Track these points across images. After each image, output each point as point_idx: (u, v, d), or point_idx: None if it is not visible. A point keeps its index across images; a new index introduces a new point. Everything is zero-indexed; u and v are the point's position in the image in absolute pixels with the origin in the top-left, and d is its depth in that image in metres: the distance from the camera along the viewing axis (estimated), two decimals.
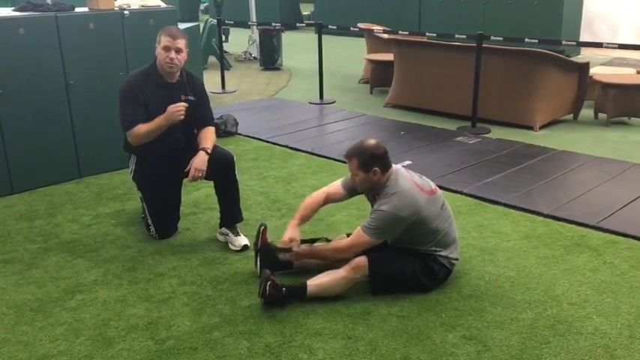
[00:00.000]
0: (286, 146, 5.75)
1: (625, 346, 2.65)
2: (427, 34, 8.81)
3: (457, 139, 5.90)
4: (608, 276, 3.24)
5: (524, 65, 6.19)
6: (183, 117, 3.52)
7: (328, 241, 3.36)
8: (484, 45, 6.12)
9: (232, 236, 3.67)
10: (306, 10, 17.14)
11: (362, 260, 3.00)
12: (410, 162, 5.17)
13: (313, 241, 3.36)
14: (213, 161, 3.62)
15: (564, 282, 3.19)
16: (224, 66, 8.82)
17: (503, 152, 5.41)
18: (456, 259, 3.18)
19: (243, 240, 3.65)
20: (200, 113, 3.77)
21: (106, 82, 4.76)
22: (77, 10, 4.90)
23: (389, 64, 7.50)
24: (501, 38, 6.25)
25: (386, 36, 8.39)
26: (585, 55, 10.48)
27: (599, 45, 6.22)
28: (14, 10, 4.83)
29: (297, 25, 11.80)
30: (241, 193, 3.85)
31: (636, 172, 4.82)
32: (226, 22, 9.19)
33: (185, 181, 3.73)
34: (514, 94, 6.29)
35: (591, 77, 6.56)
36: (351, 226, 3.43)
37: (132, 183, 3.93)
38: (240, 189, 3.82)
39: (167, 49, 3.50)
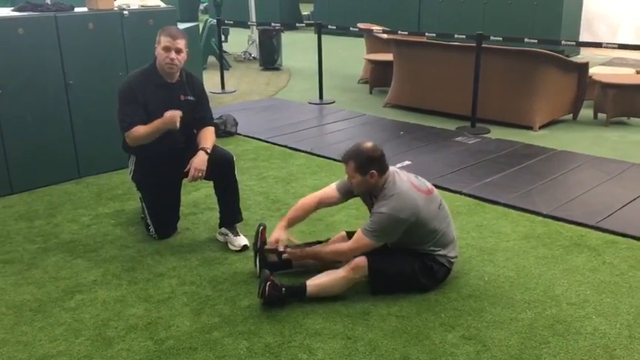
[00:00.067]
0: (286, 146, 5.75)
1: (624, 346, 2.66)
2: (427, 34, 8.81)
3: (456, 139, 5.91)
4: (608, 276, 3.25)
5: (523, 65, 6.19)
6: (177, 126, 3.52)
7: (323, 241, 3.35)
8: (484, 45, 6.12)
9: (232, 236, 3.67)
10: (306, 10, 17.15)
11: (361, 260, 3.00)
12: (409, 162, 5.18)
13: (312, 244, 3.35)
14: (213, 161, 3.62)
15: (563, 282, 3.20)
16: (223, 66, 8.82)
17: (502, 152, 5.41)
18: (455, 258, 3.19)
19: (242, 240, 3.65)
20: (199, 113, 3.77)
21: (106, 82, 4.76)
22: (76, 10, 4.89)
23: (388, 64, 7.50)
24: (501, 38, 6.25)
25: (385, 36, 8.39)
26: (585, 55, 10.49)
27: (598, 45, 6.23)
28: (13, 10, 4.83)
29: (297, 25, 11.80)
30: (241, 193, 3.85)
31: (636, 172, 4.83)
32: (226, 22, 9.19)
33: (185, 181, 3.73)
34: (513, 94, 6.29)
35: (591, 77, 6.56)
36: (350, 226, 3.43)
37: (131, 183, 3.93)
38: (239, 189, 3.82)
39: (167, 49, 3.50)
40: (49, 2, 5.89)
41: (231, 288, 3.20)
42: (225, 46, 10.50)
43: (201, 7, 19.92)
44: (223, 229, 3.74)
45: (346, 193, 3.25)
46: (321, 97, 7.74)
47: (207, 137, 3.71)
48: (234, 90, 8.56)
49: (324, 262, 3.21)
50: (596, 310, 2.93)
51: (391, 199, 2.96)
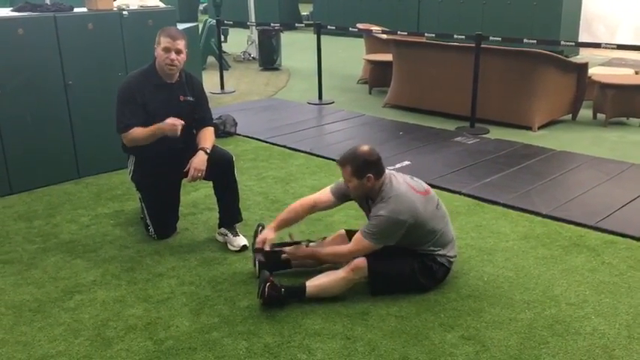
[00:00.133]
0: (285, 146, 5.75)
1: (623, 346, 2.66)
2: (426, 34, 8.82)
3: (456, 139, 5.91)
4: (607, 276, 3.25)
5: (522, 66, 6.19)
6: (178, 134, 3.52)
7: (306, 241, 3.33)
8: (483, 45, 6.12)
9: (231, 236, 3.67)
10: (305, 10, 17.15)
11: (361, 262, 3.00)
12: (409, 162, 5.18)
13: (307, 242, 3.34)
14: (213, 161, 3.62)
15: (563, 282, 3.20)
16: (223, 66, 8.82)
17: (501, 152, 5.41)
18: (454, 257, 3.19)
19: (242, 240, 3.65)
20: (199, 114, 3.77)
21: (105, 82, 4.77)
22: (76, 10, 4.90)
23: (388, 64, 7.50)
24: (500, 39, 6.26)
25: (385, 36, 8.39)
26: (584, 55, 10.50)
27: (597, 45, 6.24)
28: (13, 11, 4.83)
29: (296, 25, 11.81)
30: (240, 193, 3.85)
31: (635, 173, 4.83)
32: (225, 22, 9.20)
33: (184, 181, 3.73)
34: (513, 95, 6.30)
35: (590, 77, 6.57)
36: (349, 226, 3.43)
37: (131, 183, 3.93)
38: (239, 189, 3.82)
39: (167, 50, 3.50)
40: (48, 2, 5.89)
41: (231, 288, 3.20)
42: (225, 47, 10.50)
43: (201, 7, 19.92)
44: (223, 230, 3.74)
45: (342, 197, 3.24)
46: (320, 97, 7.75)
47: (207, 137, 3.71)
48: (234, 90, 8.56)
49: (324, 263, 3.21)
50: (595, 311, 2.93)
51: (389, 201, 2.96)
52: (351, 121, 6.73)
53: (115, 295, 3.17)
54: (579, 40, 10.20)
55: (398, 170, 4.81)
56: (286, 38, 10.98)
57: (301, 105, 7.58)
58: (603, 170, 4.87)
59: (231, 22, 9.40)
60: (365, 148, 3.06)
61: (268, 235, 3.20)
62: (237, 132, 6.23)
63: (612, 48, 6.12)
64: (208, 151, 3.62)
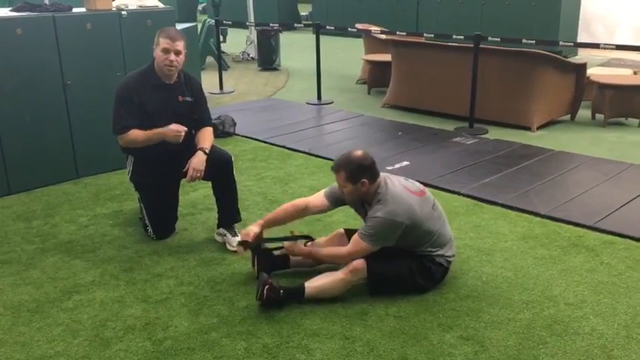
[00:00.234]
0: (284, 147, 5.75)
1: (622, 347, 2.66)
2: (425, 34, 8.82)
3: (455, 139, 5.91)
4: (605, 276, 3.25)
5: (521, 66, 6.20)
6: (179, 141, 3.53)
7: (309, 237, 3.33)
8: (482, 46, 6.12)
9: (230, 237, 3.67)
10: (304, 10, 17.15)
11: (360, 263, 3.00)
12: (407, 162, 5.18)
13: (302, 238, 3.33)
14: (212, 161, 3.62)
15: (561, 282, 3.20)
16: (222, 66, 8.82)
17: (500, 153, 5.41)
18: (453, 257, 3.19)
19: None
20: (198, 114, 3.77)
21: (104, 82, 4.76)
22: (75, 10, 4.89)
23: (387, 64, 7.50)
24: (499, 39, 6.26)
25: (384, 36, 8.40)
26: (583, 55, 10.50)
27: (596, 46, 6.24)
28: (11, 11, 4.83)
29: (295, 25, 11.79)
30: (239, 193, 3.85)
31: (633, 173, 4.83)
32: (224, 22, 9.19)
33: (183, 181, 3.73)
34: (511, 95, 6.30)
35: (588, 78, 6.57)
36: (348, 226, 3.43)
37: (129, 183, 3.93)
38: (238, 189, 3.82)
39: (166, 51, 3.50)
40: (47, 2, 5.89)
41: (229, 288, 3.20)
42: (224, 47, 10.49)
43: (200, 7, 19.92)
44: (221, 230, 3.74)
45: (336, 202, 3.24)
46: (319, 97, 7.74)
47: (206, 137, 3.71)
48: (233, 90, 8.56)
49: (322, 263, 3.21)
50: (593, 311, 2.93)
51: (386, 203, 2.96)
52: (350, 121, 6.73)
53: (114, 295, 3.16)
54: (578, 41, 10.21)
55: (397, 171, 4.83)
56: (285, 38, 10.98)
57: (300, 105, 7.58)
58: (602, 170, 4.87)
59: (230, 23, 9.39)
60: (358, 152, 3.06)
61: (254, 229, 3.21)
62: (236, 132, 6.23)
63: (611, 48, 6.12)
64: (207, 151, 3.62)
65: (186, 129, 3.56)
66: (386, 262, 3.04)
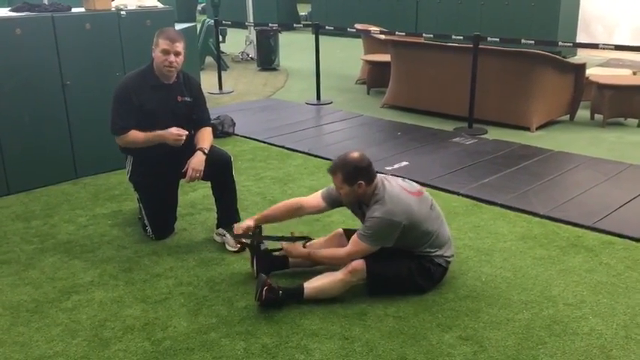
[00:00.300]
0: (283, 147, 5.75)
1: (621, 347, 2.66)
2: (424, 34, 8.82)
3: (454, 139, 5.91)
4: (604, 276, 3.25)
5: (520, 66, 6.20)
6: (180, 145, 3.53)
7: (309, 238, 3.33)
8: (481, 46, 6.13)
9: (229, 237, 3.66)
10: (303, 10, 17.15)
11: (359, 264, 3.00)
12: (407, 163, 5.18)
13: (301, 239, 3.34)
14: (211, 162, 3.62)
15: (560, 282, 3.20)
16: (221, 66, 8.82)
17: (499, 153, 5.41)
18: (452, 257, 3.19)
19: None
20: (197, 114, 3.77)
21: (103, 82, 4.76)
22: (74, 10, 4.89)
23: (386, 64, 7.50)
24: (498, 39, 6.26)
25: (383, 37, 8.40)
26: (582, 56, 10.51)
27: (595, 46, 6.24)
28: (11, 11, 4.83)
29: (294, 25, 11.79)
30: (238, 193, 3.85)
31: (632, 173, 4.84)
32: (223, 22, 9.19)
33: (182, 181, 3.73)
34: (511, 95, 6.30)
35: (588, 78, 6.58)
36: (347, 226, 3.42)
37: (128, 184, 3.93)
38: (237, 190, 3.82)
39: (166, 52, 3.50)
40: (46, 2, 5.88)
41: (229, 289, 3.20)
42: (223, 47, 10.49)
43: (199, 7, 19.92)
44: (221, 230, 3.74)
45: (332, 203, 3.24)
46: (318, 97, 7.75)
47: (205, 138, 3.71)
48: (232, 90, 8.56)
49: (321, 264, 3.21)
50: (592, 311, 2.94)
51: (384, 203, 2.96)
52: (350, 121, 6.73)
53: (113, 295, 3.16)
54: (577, 41, 10.21)
55: (396, 171, 4.84)
56: (284, 38, 10.98)
57: (299, 105, 7.58)
58: (601, 171, 4.88)
59: (229, 23, 9.39)
60: (355, 154, 3.06)
61: (248, 223, 3.25)
62: (235, 132, 6.23)
63: (610, 49, 6.12)
64: (206, 151, 3.62)
65: (187, 133, 3.57)
66: (385, 263, 3.04)
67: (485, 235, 3.79)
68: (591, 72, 7.03)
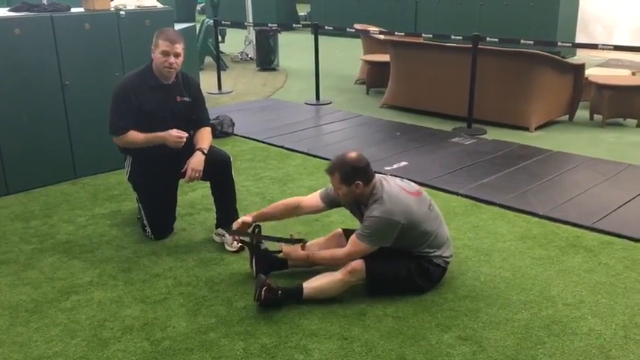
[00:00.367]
0: (282, 147, 5.75)
1: (620, 347, 2.66)
2: (423, 35, 8.82)
3: (453, 139, 5.91)
4: (603, 277, 3.25)
5: (519, 66, 6.20)
6: (180, 147, 3.54)
7: (302, 240, 3.33)
8: (480, 46, 6.13)
9: (228, 237, 3.66)
10: (303, 10, 17.15)
11: (358, 264, 3.00)
12: (406, 163, 5.19)
13: (299, 241, 3.33)
14: (210, 162, 3.62)
15: (559, 283, 3.20)
16: (220, 66, 8.82)
17: (498, 153, 5.42)
18: (450, 257, 3.19)
19: None
20: (196, 114, 3.77)
21: (102, 82, 4.76)
22: (73, 10, 4.89)
23: (385, 64, 7.50)
24: (497, 39, 6.26)
25: (382, 37, 8.40)
26: (581, 56, 10.52)
27: (594, 46, 6.24)
28: (10, 11, 4.82)
29: (294, 25, 11.79)
30: (237, 193, 3.85)
31: (631, 173, 4.84)
32: (223, 22, 9.19)
33: (182, 181, 3.73)
34: (510, 95, 6.31)
35: (587, 78, 6.58)
36: (346, 226, 3.42)
37: (128, 184, 3.93)
38: (236, 190, 3.82)
39: (166, 54, 3.50)
40: (45, 2, 5.88)
41: (228, 289, 3.20)
42: (222, 47, 10.49)
43: (199, 7, 19.92)
44: (220, 230, 3.74)
45: (330, 203, 3.25)
46: (317, 97, 7.75)
47: (204, 138, 3.71)
48: (231, 90, 8.56)
49: (320, 265, 3.20)
50: (591, 311, 2.94)
51: (382, 203, 2.96)
52: (349, 121, 6.74)
53: (112, 295, 3.16)
54: (576, 41, 10.22)
55: (395, 171, 4.84)
56: (284, 38, 10.98)
57: (299, 105, 7.58)
58: (600, 171, 4.88)
59: (228, 23, 9.39)
60: (353, 154, 3.06)
61: (245, 219, 3.27)
62: (235, 132, 6.23)
63: (609, 49, 6.12)
64: (206, 151, 3.62)
65: (187, 135, 3.57)
66: (384, 263, 3.04)
67: (485, 235, 3.79)
68: (590, 72, 7.04)
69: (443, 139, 5.95)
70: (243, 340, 2.75)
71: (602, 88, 6.38)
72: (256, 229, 3.32)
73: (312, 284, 3.02)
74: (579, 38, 11.10)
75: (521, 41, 6.33)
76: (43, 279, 3.34)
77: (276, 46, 10.21)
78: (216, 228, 3.77)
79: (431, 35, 8.50)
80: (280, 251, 3.27)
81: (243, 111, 7.21)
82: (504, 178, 4.75)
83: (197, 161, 3.57)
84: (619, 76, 7.05)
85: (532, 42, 6.32)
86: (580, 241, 3.67)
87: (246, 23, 10.57)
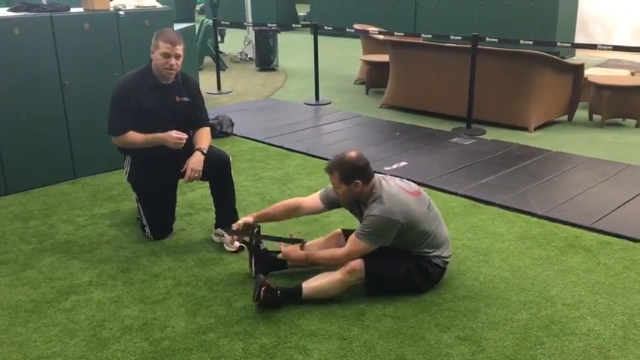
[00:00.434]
0: (282, 147, 5.75)
1: (618, 347, 2.67)
2: (423, 35, 8.81)
3: (452, 140, 5.91)
4: (602, 277, 3.26)
5: (519, 66, 6.21)
6: (180, 148, 3.54)
7: (301, 240, 3.33)
8: (479, 46, 6.13)
9: (228, 237, 3.66)
10: (302, 10, 17.15)
11: (358, 263, 3.00)
12: (405, 163, 5.19)
13: (298, 241, 3.33)
14: (209, 162, 3.62)
15: (558, 283, 3.20)
16: (220, 67, 8.82)
17: (498, 153, 5.42)
18: (449, 257, 3.19)
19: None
20: (195, 114, 3.77)
21: (101, 82, 4.75)
22: (72, 10, 4.89)
23: (384, 65, 7.51)
24: (496, 39, 6.26)
25: (381, 37, 8.40)
26: (580, 56, 10.52)
27: (593, 46, 6.24)
28: (9, 11, 4.82)
29: (293, 25, 11.80)
30: (237, 193, 3.85)
31: (630, 174, 4.84)
32: (222, 22, 9.19)
33: (181, 181, 3.73)
34: (509, 96, 6.31)
35: (586, 79, 6.58)
36: (346, 226, 3.43)
37: (127, 184, 3.93)
38: (235, 190, 3.82)
39: (167, 55, 3.50)
40: (44, 2, 5.88)
41: (227, 289, 3.20)
42: (222, 47, 10.49)
43: (198, 7, 19.92)
44: (219, 230, 3.74)
45: (330, 204, 3.26)
46: (317, 97, 7.75)
47: (203, 138, 3.71)
48: (231, 90, 8.55)
49: (319, 265, 3.21)
50: (590, 311, 2.94)
51: (382, 201, 2.96)
52: (348, 121, 6.74)
53: (111, 295, 3.16)
54: (575, 41, 10.23)
55: (395, 171, 4.84)
56: (283, 39, 10.98)
57: (298, 105, 7.58)
58: (599, 171, 4.88)
59: (228, 23, 9.39)
60: (352, 153, 3.07)
61: (246, 219, 3.29)
62: (234, 132, 6.23)
63: (608, 49, 6.13)
64: (205, 151, 3.62)
65: (187, 136, 3.57)
66: (383, 263, 3.04)
67: (484, 235, 3.80)
68: (590, 72, 7.04)
69: (442, 139, 5.95)
70: (242, 341, 2.75)
71: (601, 88, 6.39)
72: (255, 229, 3.32)
73: (311, 284, 3.02)
74: (578, 38, 11.11)
75: (521, 41, 6.33)
76: (42, 279, 3.34)
77: (276, 46, 10.21)
78: (216, 228, 3.77)
79: (430, 35, 8.49)
80: (279, 251, 3.28)
81: (243, 111, 7.21)
82: (503, 179, 4.76)
83: (196, 161, 3.57)
84: (618, 76, 7.05)
85: (531, 42, 6.32)
86: (579, 242, 3.67)
87: (245, 23, 10.57)
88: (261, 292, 2.93)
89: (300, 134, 6.20)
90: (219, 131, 6.03)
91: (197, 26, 9.58)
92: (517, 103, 6.27)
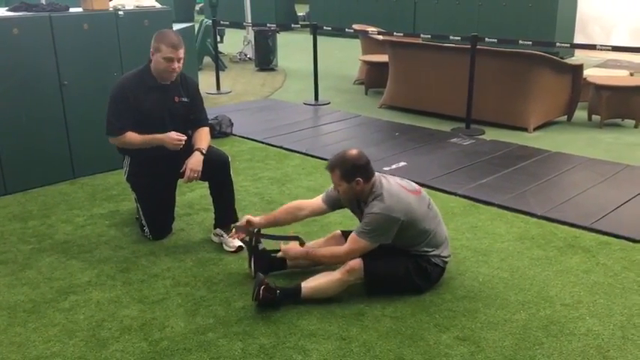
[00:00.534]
0: (281, 147, 5.75)
1: (617, 347, 2.67)
2: (422, 35, 8.81)
3: (451, 140, 5.92)
4: (601, 277, 3.26)
5: (518, 67, 6.21)
6: (178, 149, 3.54)
7: (298, 238, 3.33)
8: (478, 46, 6.13)
9: (227, 237, 3.66)
10: (301, 10, 17.15)
11: (357, 263, 3.00)
12: (405, 163, 5.19)
13: (295, 238, 3.33)
14: (208, 162, 3.62)
15: (557, 283, 3.21)
16: (219, 67, 8.82)
17: (497, 153, 5.42)
18: (448, 257, 3.19)
19: (237, 241, 3.63)
20: (194, 114, 3.77)
21: (101, 82, 4.75)
22: (71, 10, 4.88)
23: (384, 65, 7.51)
24: (496, 40, 6.27)
25: (381, 37, 8.40)
26: (579, 56, 10.53)
27: (592, 47, 6.25)
28: (8, 10, 4.82)
29: (292, 26, 11.82)
30: (236, 194, 3.85)
31: (629, 174, 4.85)
32: (222, 22, 9.19)
33: (180, 181, 3.73)
34: (508, 96, 6.31)
35: (585, 79, 6.59)
36: (345, 227, 3.43)
37: (126, 184, 3.93)
38: (234, 190, 3.82)
39: (170, 60, 3.49)
40: (43, 2, 5.87)
41: (226, 289, 3.20)
42: (221, 47, 10.49)
43: (197, 7, 19.91)
44: (218, 230, 3.74)
45: (332, 205, 3.27)
46: (316, 98, 7.75)
47: (203, 138, 3.71)
48: (230, 91, 8.55)
49: (319, 264, 3.21)
50: (589, 311, 2.94)
51: (382, 199, 2.97)
52: (348, 121, 6.74)
53: (110, 295, 3.16)
54: (574, 42, 10.23)
55: (394, 171, 4.84)
56: (282, 39, 10.98)
57: (297, 106, 7.58)
58: (598, 171, 4.88)
59: (227, 23, 9.39)
60: (353, 151, 3.07)
61: (251, 218, 3.30)
62: (233, 132, 6.23)
63: (607, 49, 6.13)
64: (204, 151, 3.62)
65: (186, 137, 3.57)
66: (382, 262, 3.05)
67: (483, 235, 3.80)
68: (589, 73, 7.04)
69: (441, 139, 5.95)
70: (241, 341, 2.75)
71: (600, 88, 6.39)
72: (255, 229, 3.32)
73: (310, 284, 3.02)
74: (577, 39, 11.11)
75: (520, 42, 6.34)
76: (41, 279, 3.34)
77: (275, 47, 10.21)
78: (215, 228, 3.77)
79: (429, 36, 8.49)
80: (279, 250, 3.27)
81: (242, 111, 7.21)
82: (503, 179, 4.76)
83: (196, 161, 3.56)
84: (617, 76, 7.06)
85: (530, 42, 6.33)
86: (578, 242, 3.68)
87: (244, 23, 10.57)
88: (261, 291, 2.93)
89: (300, 134, 6.20)
90: (219, 131, 6.03)
91: (196, 26, 9.57)
92: (516, 103, 6.27)
